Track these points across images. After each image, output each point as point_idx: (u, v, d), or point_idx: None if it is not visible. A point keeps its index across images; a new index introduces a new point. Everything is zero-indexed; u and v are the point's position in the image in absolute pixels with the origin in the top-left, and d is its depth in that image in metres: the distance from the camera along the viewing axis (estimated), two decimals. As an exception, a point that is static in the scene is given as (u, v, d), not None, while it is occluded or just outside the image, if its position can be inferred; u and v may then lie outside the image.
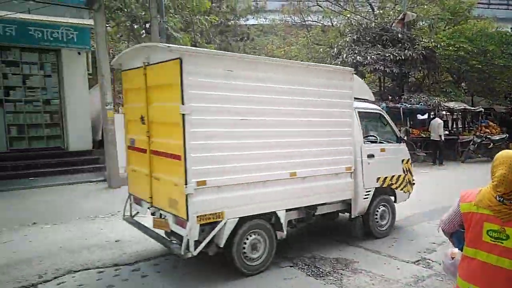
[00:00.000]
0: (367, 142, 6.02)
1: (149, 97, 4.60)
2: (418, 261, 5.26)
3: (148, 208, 4.85)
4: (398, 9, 18.93)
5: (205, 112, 4.10)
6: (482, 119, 17.46)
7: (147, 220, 5.16)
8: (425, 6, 19.16)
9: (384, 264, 5.13)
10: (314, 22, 25.14)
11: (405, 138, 9.09)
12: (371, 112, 6.35)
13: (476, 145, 15.44)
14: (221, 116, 4.23)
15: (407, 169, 6.51)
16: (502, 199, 2.11)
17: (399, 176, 6.34)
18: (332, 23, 23.72)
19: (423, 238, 6.20)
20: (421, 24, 19.83)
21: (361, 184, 5.77)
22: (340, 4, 22.18)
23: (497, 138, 15.92)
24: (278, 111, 4.70)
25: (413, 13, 17.69)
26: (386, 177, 6.12)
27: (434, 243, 5.96)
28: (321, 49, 20.36)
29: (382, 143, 6.24)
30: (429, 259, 5.30)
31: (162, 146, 4.42)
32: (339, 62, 15.97)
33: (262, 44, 25.40)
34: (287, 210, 4.91)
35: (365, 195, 5.86)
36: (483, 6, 37.43)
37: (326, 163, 5.22)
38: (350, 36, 17.41)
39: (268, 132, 4.63)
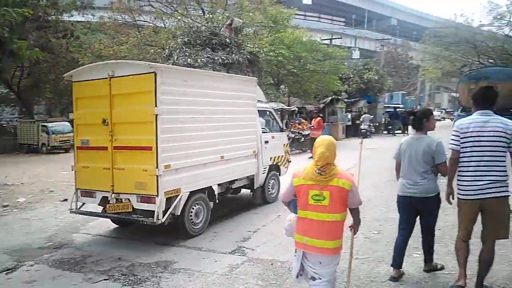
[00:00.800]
0: (264, 132, 8.09)
1: (114, 102, 5.69)
2: (234, 250, 5.54)
3: (107, 196, 5.80)
4: (227, 14, 20.01)
5: (170, 113, 5.50)
6: (296, 117, 19.95)
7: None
8: (251, 14, 20.77)
9: (203, 259, 5.25)
10: (145, 22, 24.64)
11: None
12: (265, 110, 8.56)
13: (291, 140, 17.55)
14: (179, 115, 5.68)
15: (286, 151, 8.93)
16: (319, 171, 2.99)
17: (282, 156, 8.65)
18: (164, 25, 23.65)
19: (241, 227, 6.62)
20: (247, 30, 21.44)
21: (261, 163, 7.78)
22: (172, 6, 22.26)
23: (307, 133, 18.35)
24: (212, 111, 6.30)
25: (239, 20, 18.96)
26: (275, 157, 8.36)
27: (249, 231, 6.42)
28: (152, 50, 20.11)
29: (272, 132, 8.46)
30: (245, 247, 5.63)
31: (130, 141, 5.60)
32: (170, 64, 16.04)
33: (89, 42, 23.66)
34: (218, 185, 6.67)
35: (263, 171, 7.89)
36: (299, 17, 42.95)
37: (241, 148, 7.13)
38: (181, 38, 17.65)
39: (207, 127, 6.22)
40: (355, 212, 3.20)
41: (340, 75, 25.28)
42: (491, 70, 18.91)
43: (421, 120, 4.17)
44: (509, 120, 3.66)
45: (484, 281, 3.80)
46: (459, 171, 3.76)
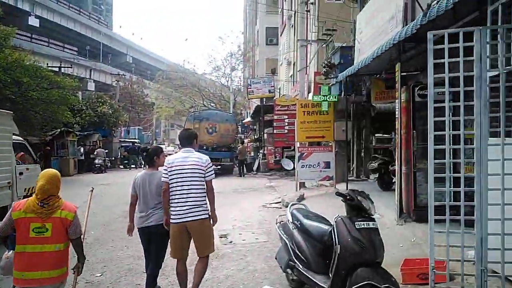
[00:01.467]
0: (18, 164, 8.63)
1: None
2: None
3: None
4: None
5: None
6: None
7: None
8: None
9: None
10: None
11: None
12: (19, 143, 9.33)
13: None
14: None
15: None
16: (42, 204, 3.07)
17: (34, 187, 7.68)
18: None
19: None
20: None
21: (15, 194, 7.91)
22: None
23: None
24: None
25: None
26: (29, 188, 8.46)
27: None
28: None
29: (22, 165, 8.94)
30: None
31: None
32: None
33: None
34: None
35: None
36: (25, 38, 38.03)
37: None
38: None
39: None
40: (77, 245, 3.29)
41: (72, 107, 23.64)
42: (211, 113, 22.12)
43: (152, 157, 4.59)
44: (203, 155, 4.39)
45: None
46: (170, 199, 4.22)
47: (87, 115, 26.18)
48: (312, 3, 16.13)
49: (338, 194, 3.95)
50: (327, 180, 11.77)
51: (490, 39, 3.73)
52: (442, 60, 3.82)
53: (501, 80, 3.71)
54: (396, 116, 7.08)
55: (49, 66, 24.23)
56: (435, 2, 5.02)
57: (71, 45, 49.86)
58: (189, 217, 4.16)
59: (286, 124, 18.34)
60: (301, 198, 10.31)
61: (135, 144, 31.86)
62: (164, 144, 54.65)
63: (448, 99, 3.97)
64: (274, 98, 22.95)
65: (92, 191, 4.58)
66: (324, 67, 14.00)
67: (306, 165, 11.52)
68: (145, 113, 53.55)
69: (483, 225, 3.70)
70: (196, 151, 4.42)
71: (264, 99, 24.15)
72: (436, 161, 4.00)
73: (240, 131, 31.84)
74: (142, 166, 27.08)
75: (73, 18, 52.19)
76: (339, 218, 3.81)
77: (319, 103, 11.62)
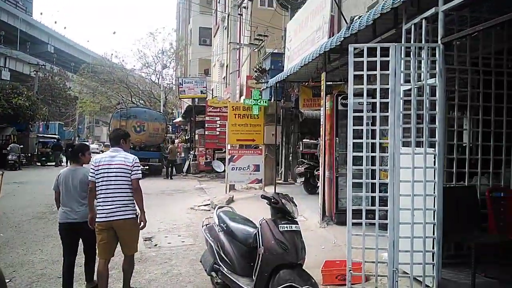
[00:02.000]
0: None
1: None
2: None
3: None
4: None
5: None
6: None
7: None
8: None
9: None
10: None
11: None
12: None
13: None
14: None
15: None
16: None
17: None
18: None
19: None
20: None
21: None
22: None
23: None
24: None
25: None
26: None
27: None
28: None
29: None
30: None
31: None
32: None
33: None
34: None
35: None
36: None
37: None
38: None
39: None
40: None
41: (-19, 97, 21.43)
42: (140, 111, 21.31)
43: (77, 153, 4.71)
44: (130, 155, 4.46)
45: (131, 284, 4.55)
46: (96, 198, 4.32)
47: (0, 106, 23.91)
48: (244, 7, 16.37)
49: (264, 197, 4.02)
50: (256, 183, 11.94)
51: (404, 55, 4.07)
52: (361, 72, 4.09)
53: (413, 94, 4.07)
54: (321, 123, 7.40)
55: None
56: (357, 17, 5.37)
57: (-18, 30, 45.20)
58: (114, 216, 4.24)
59: (218, 125, 18.35)
60: (231, 201, 10.35)
61: (60, 140, 29.85)
62: (87, 141, 51.73)
63: (366, 109, 4.25)
64: (207, 99, 22.85)
65: (2, 174, 4.47)
66: (256, 71, 14.27)
67: (236, 168, 11.60)
68: (67, 107, 50.22)
69: (395, 229, 4.01)
70: (125, 151, 4.51)
71: (197, 100, 23.93)
72: (355, 167, 4.27)
73: (170, 130, 31.17)
74: (62, 163, 25.39)
75: (-14, 0, 47.41)
76: (264, 220, 3.88)
77: (250, 107, 11.78)
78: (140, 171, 4.40)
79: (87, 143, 14.34)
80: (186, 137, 25.19)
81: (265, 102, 12.05)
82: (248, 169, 11.61)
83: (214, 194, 12.33)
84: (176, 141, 25.12)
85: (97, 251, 4.38)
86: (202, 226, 5.05)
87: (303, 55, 8.55)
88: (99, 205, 4.27)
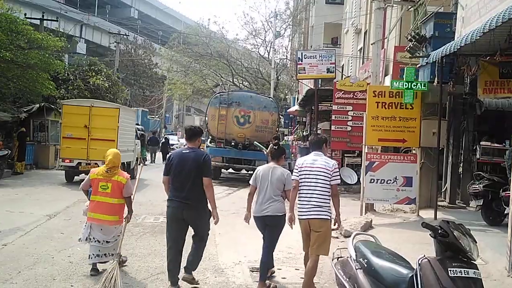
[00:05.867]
0: None
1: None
2: None
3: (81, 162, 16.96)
4: None
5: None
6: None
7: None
8: None
9: None
10: None
11: None
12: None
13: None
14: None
15: None
16: (108, 170, 7.01)
17: None
18: None
19: None
20: None
21: None
22: None
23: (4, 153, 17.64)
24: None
25: None
26: None
27: None
28: None
29: None
30: None
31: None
32: None
33: None
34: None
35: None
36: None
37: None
38: None
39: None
40: (128, 202, 7.12)
41: (55, 75, 24.55)
42: (244, 95, 22.22)
43: (280, 155, 7.13)
44: (331, 160, 6.52)
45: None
46: (298, 197, 6.42)
47: (75, 87, 27.11)
48: None
49: (426, 225, 3.97)
50: (406, 204, 11.73)
51: None
52: None
53: None
54: (515, 118, 6.93)
55: (28, 18, 25.13)
56: None
57: (58, -9, 51.58)
58: (311, 215, 6.16)
59: (350, 118, 18.22)
60: (368, 226, 10.29)
61: (155, 133, 33.51)
62: (175, 134, 55.58)
63: None
64: (335, 80, 22.88)
65: (142, 166, 10.22)
66: (410, 40, 13.82)
67: (377, 180, 11.48)
68: (153, 89, 54.89)
69: None
70: (324, 155, 6.52)
71: (320, 81, 24.11)
72: None
73: (283, 123, 31.94)
74: (147, 162, 27.94)
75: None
76: (425, 259, 3.84)
77: (400, 92, 11.52)
78: (339, 177, 6.44)
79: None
80: (305, 133, 25.59)
81: (424, 85, 11.63)
82: (395, 182, 11.40)
83: (343, 215, 12.31)
84: (290, 138, 25.70)
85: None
86: (332, 260, 5.14)
87: (487, 15, 8.09)
88: (299, 204, 6.28)
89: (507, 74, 9.61)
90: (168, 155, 7.32)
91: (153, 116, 53.93)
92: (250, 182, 7.04)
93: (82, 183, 7.27)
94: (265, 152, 19.28)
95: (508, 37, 8.28)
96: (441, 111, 11.58)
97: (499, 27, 7.08)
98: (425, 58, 12.35)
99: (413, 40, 13.76)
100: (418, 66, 13.73)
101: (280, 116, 28.78)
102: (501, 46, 9.08)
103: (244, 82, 42.26)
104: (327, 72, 24.38)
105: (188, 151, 6.62)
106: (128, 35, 47.14)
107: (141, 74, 51.12)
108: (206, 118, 22.00)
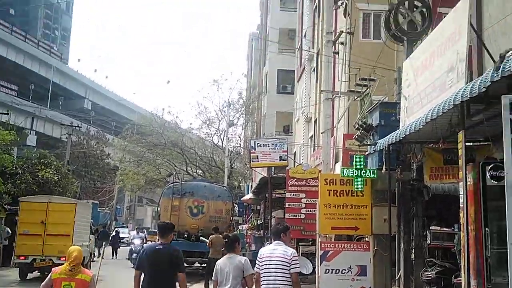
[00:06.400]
0: None
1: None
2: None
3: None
4: None
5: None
6: None
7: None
8: None
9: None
10: None
11: None
12: None
13: None
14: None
15: None
16: (72, 269, 6.36)
17: None
18: None
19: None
20: None
21: None
22: None
23: None
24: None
25: None
26: None
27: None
28: None
29: None
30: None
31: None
32: None
33: None
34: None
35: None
36: None
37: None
38: None
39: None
40: None
41: (3, 169, 23.96)
42: (197, 185, 22.10)
43: (233, 244, 7.15)
44: (290, 248, 6.60)
45: None
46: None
47: (22, 181, 26.35)
48: (342, 43, 16.82)
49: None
50: (362, 293, 11.53)
51: None
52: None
53: None
54: (461, 205, 7.07)
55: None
56: (510, 53, 5.23)
57: (9, 83, 51.45)
58: None
59: (304, 205, 18.20)
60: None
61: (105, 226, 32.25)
62: (126, 227, 54.13)
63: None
64: (288, 167, 23.12)
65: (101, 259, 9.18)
66: (358, 129, 14.25)
67: (332, 270, 11.35)
68: (104, 180, 53.94)
69: None
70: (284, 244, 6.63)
71: (273, 169, 24.32)
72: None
73: (237, 212, 31.70)
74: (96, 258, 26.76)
75: (15, 46, 54.09)
76: None
77: (350, 180, 11.68)
78: (298, 264, 6.54)
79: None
80: (259, 222, 25.36)
81: (373, 172, 11.87)
82: (349, 272, 11.29)
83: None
84: (245, 227, 25.39)
85: None
86: None
87: (429, 105, 8.43)
88: None
89: (450, 161, 9.88)
90: (140, 250, 8.00)
91: (104, 208, 52.63)
92: (213, 277, 7.17)
93: (42, 283, 6.87)
94: (206, 243, 18.69)
95: (449, 125, 8.56)
96: (390, 198, 11.73)
97: (440, 117, 7.34)
98: (373, 146, 12.67)
99: (361, 128, 14.19)
100: (366, 153, 14.05)
101: (234, 205, 28.60)
102: (443, 134, 9.40)
103: (198, 171, 42.18)
104: (280, 160, 24.69)
105: (161, 246, 7.00)
106: (81, 127, 47.00)
107: (92, 165, 50.42)
108: (159, 209, 21.60)
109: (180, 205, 19.71)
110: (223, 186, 27.07)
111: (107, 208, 54.98)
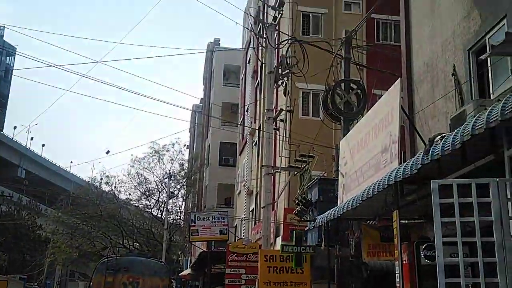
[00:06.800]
0: None
1: None
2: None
3: None
4: None
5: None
6: None
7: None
8: None
9: None
10: None
11: None
12: None
13: None
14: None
15: None
16: None
17: None
18: None
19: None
20: None
21: None
22: None
23: None
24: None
25: None
26: None
27: None
28: None
29: None
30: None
31: None
32: None
33: None
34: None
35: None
36: None
37: None
38: None
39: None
40: None
41: None
42: (133, 260, 21.26)
43: None
44: None
45: None
46: None
47: None
48: (281, 120, 17.28)
49: None
50: None
51: (511, 195, 4.06)
52: (452, 219, 4.06)
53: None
54: (397, 284, 7.15)
55: None
56: (438, 137, 5.52)
57: None
58: None
59: (244, 282, 17.91)
60: None
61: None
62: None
63: (463, 269, 4.11)
64: (228, 242, 22.84)
65: None
66: (298, 204, 14.41)
67: None
68: (34, 253, 51.22)
69: None
70: None
71: (213, 243, 23.94)
72: None
73: (174, 288, 30.70)
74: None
75: None
76: None
77: (290, 256, 11.65)
78: None
79: None
80: (197, 299, 24.64)
81: (312, 249, 11.90)
82: None
83: None
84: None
85: None
86: None
87: (365, 184, 8.66)
88: None
89: (387, 238, 10.04)
90: None
91: (32, 284, 49.74)
92: None
93: None
94: None
95: (384, 204, 8.77)
96: (329, 274, 11.72)
97: (376, 195, 7.53)
98: (312, 222, 12.79)
99: (300, 204, 14.34)
100: (306, 228, 14.14)
101: (172, 281, 27.73)
102: (379, 212, 9.61)
103: (135, 244, 40.84)
104: (220, 234, 24.42)
105: None
106: (12, 196, 45.08)
107: (22, 237, 48.02)
108: (92, 285, 20.59)
109: (114, 282, 18.85)
110: (161, 261, 26.23)
111: (35, 284, 52.05)
